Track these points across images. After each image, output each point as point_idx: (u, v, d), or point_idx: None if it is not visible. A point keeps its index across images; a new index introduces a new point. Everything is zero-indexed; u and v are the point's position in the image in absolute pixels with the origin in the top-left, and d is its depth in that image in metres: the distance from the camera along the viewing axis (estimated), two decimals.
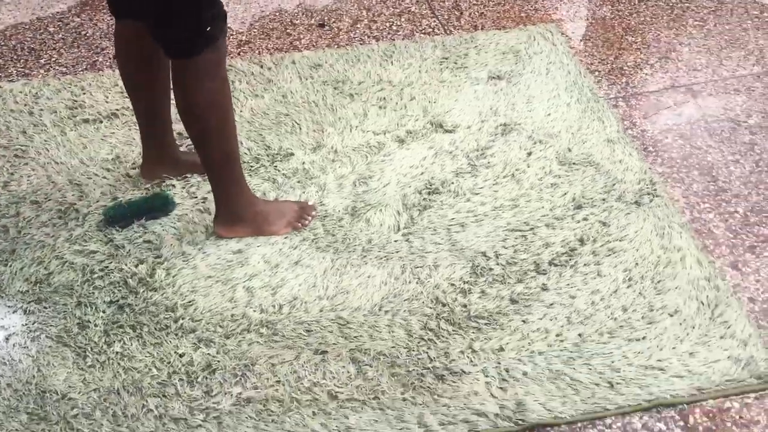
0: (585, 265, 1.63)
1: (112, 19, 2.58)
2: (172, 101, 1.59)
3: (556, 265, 1.63)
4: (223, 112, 1.52)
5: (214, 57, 1.43)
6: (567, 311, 1.53)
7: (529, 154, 1.93)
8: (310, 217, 1.76)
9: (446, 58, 2.32)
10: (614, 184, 1.82)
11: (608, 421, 1.34)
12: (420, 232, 1.73)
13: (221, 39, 1.44)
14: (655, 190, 1.79)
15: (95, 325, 1.52)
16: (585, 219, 1.74)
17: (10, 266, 1.65)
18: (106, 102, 2.17)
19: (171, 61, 1.46)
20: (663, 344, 1.45)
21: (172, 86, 1.51)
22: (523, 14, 2.56)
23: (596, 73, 2.24)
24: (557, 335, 1.48)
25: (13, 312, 1.55)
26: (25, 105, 2.16)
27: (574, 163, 1.90)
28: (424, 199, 1.81)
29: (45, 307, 1.56)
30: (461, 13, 2.58)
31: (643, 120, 2.04)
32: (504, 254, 1.66)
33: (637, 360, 1.43)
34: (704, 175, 1.84)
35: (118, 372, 1.43)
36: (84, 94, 2.20)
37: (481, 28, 2.49)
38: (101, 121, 2.09)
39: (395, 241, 1.71)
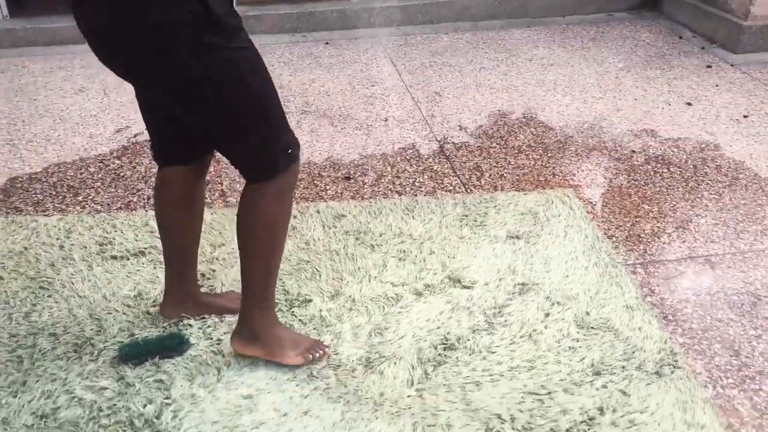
0: None
1: (150, 163, 2.74)
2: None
3: None
4: (281, 234, 1.61)
5: (285, 182, 1.53)
6: None
7: (547, 315, 1.93)
8: (322, 352, 1.77)
9: (466, 216, 2.40)
10: (634, 352, 1.80)
11: None
12: (434, 388, 1.69)
13: (295, 165, 1.54)
14: (677, 361, 1.76)
15: None
16: (604, 386, 1.69)
17: (19, 398, 1.63)
18: (136, 240, 2.24)
19: (246, 184, 1.55)
20: None
21: (239, 206, 1.57)
22: (541, 178, 2.67)
23: (613, 239, 2.29)
24: None
25: None
26: (57, 239, 2.24)
27: (592, 327, 1.88)
28: (439, 354, 1.79)
29: None
30: (482, 174, 2.69)
31: (662, 288, 2.05)
32: (520, 418, 1.61)
33: None
34: (726, 349, 1.81)
35: None
36: (115, 231, 2.28)
37: (501, 189, 2.59)
38: (128, 258, 2.15)
39: (408, 396, 1.67)
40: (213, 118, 1.43)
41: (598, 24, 4.47)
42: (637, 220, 2.40)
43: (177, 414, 1.60)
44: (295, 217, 2.37)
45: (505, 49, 4.07)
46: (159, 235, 1.80)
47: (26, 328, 1.86)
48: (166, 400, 1.64)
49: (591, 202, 2.50)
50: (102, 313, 1.92)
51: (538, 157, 2.84)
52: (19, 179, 2.63)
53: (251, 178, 1.54)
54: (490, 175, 2.69)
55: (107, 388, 1.67)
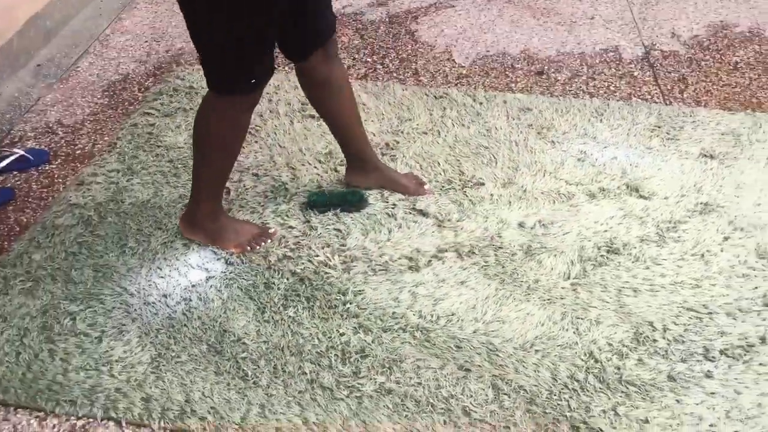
0: (761, 364, 1.52)
1: (356, 34, 2.88)
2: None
3: (727, 356, 1.54)
4: (216, 144, 1.68)
5: (234, 103, 1.59)
6: (728, 405, 1.44)
7: (726, 239, 1.85)
8: (264, 243, 1.85)
9: (659, 127, 2.28)
10: None
11: None
12: (589, 285, 1.72)
13: (253, 95, 1.60)
14: None
15: (278, 288, 1.71)
16: None
17: None
18: None
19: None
20: None
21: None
22: (754, 99, 2.44)
23: None
24: (711, 425, 1.40)
25: (217, 260, 1.80)
26: (267, 93, 2.48)
27: None
28: (601, 255, 1.80)
29: (242, 263, 1.79)
30: (686, 87, 2.52)
31: None
32: (673, 330, 1.60)
33: None
34: None
35: (286, 332, 1.60)
36: None
37: (704, 105, 2.41)
38: None
39: (562, 288, 1.72)
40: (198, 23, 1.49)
41: None
42: None
43: (347, 261, 1.80)
44: (481, 103, 2.41)
45: None
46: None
47: (235, 167, 2.13)
48: (342, 247, 1.84)
49: None
50: (297, 164, 2.14)
51: (756, 76, 2.58)
52: None
53: (208, 85, 1.59)
54: (696, 89, 2.51)
55: (294, 227, 1.90)
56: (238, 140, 1.72)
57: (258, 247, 1.84)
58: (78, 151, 2.25)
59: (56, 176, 2.15)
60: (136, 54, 2.83)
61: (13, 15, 2.63)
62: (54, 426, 1.43)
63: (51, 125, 2.38)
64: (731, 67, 2.64)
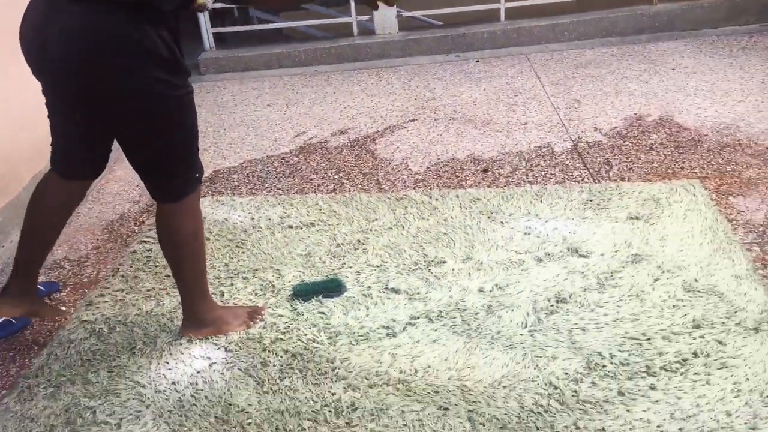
0: (695, 374, 1.76)
1: (322, 158, 3.28)
2: None
3: (666, 371, 1.78)
4: (201, 239, 1.96)
5: (196, 199, 1.89)
6: (671, 408, 1.67)
7: (656, 280, 2.14)
8: (260, 317, 2.13)
9: (590, 200, 2.64)
10: (736, 312, 1.96)
11: None
12: (544, 330, 1.98)
13: (199, 185, 1.90)
14: None
15: (273, 365, 1.94)
16: (702, 337, 1.88)
17: None
18: (307, 215, 2.76)
19: (159, 204, 1.87)
20: None
21: (158, 225, 1.90)
22: (669, 171, 2.84)
23: (733, 222, 2.42)
24: (658, 426, 1.62)
25: (217, 349, 2.04)
26: (248, 213, 2.82)
27: (698, 291, 2.07)
28: (552, 305, 2.08)
29: (240, 348, 2.02)
30: (611, 168, 2.92)
31: None
32: (618, 356, 1.85)
33: None
34: None
35: (284, 399, 1.82)
36: (292, 208, 2.82)
37: (628, 180, 2.80)
38: (301, 228, 2.67)
39: (521, 334, 1.98)
40: (154, 143, 1.73)
41: (751, 34, 4.45)
42: (762, 206, 2.50)
43: (332, 336, 2.04)
44: (436, 200, 2.77)
45: (649, 60, 4.21)
46: (28, 237, 2.03)
47: (225, 273, 2.42)
48: (327, 325, 2.09)
49: (717, 191, 2.63)
50: (280, 265, 2.43)
51: (669, 153, 3.00)
52: (221, 172, 3.29)
53: (167, 199, 1.84)
54: (619, 168, 2.91)
55: (284, 315, 2.16)
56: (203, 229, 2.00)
57: (259, 321, 2.11)
58: (85, 279, 2.52)
59: (67, 302, 2.40)
60: (129, 196, 3.18)
61: (17, 172, 2.99)
62: None
63: (59, 261, 2.66)
64: (648, 148, 3.06)
